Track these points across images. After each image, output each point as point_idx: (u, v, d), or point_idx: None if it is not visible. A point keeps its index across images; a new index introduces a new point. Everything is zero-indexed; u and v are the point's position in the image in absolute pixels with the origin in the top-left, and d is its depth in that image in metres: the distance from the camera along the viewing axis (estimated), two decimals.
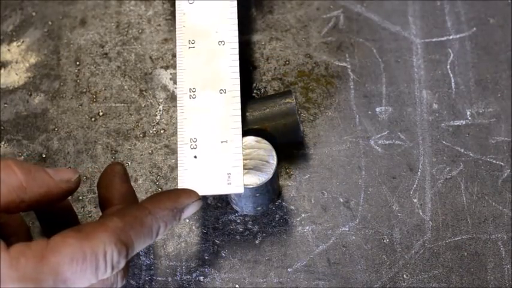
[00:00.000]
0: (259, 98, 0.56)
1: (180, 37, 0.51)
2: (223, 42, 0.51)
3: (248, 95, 0.57)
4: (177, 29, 0.51)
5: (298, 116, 0.52)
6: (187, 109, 0.50)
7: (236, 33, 0.51)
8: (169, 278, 0.52)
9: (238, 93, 0.50)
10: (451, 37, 0.58)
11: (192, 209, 0.45)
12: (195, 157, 0.49)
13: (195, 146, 0.49)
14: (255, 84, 0.57)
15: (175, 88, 0.57)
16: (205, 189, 0.48)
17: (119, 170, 0.45)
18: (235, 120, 0.49)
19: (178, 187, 0.48)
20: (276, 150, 0.49)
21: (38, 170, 0.40)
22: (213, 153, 0.49)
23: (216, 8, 0.52)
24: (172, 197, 0.44)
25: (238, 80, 0.50)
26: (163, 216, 0.42)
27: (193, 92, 0.50)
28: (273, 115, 0.51)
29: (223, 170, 0.48)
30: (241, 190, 0.48)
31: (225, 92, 0.50)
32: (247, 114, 0.51)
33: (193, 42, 0.51)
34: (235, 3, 0.52)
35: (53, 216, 0.46)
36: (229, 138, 0.49)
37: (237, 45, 0.51)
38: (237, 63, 0.51)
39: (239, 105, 0.50)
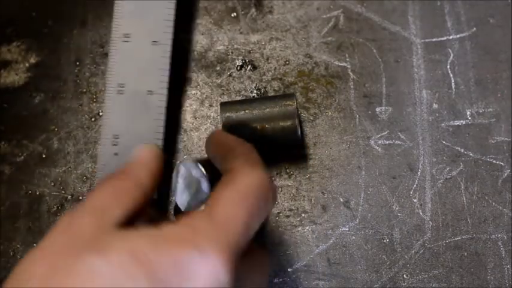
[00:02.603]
0: (261, 97, 0.56)
1: (116, 28, 0.51)
2: (156, 42, 0.51)
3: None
4: (113, 21, 0.51)
5: (298, 119, 0.52)
6: (113, 104, 0.50)
7: (170, 35, 0.51)
8: None
9: (165, 97, 0.50)
10: (451, 37, 0.58)
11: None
12: (116, 154, 0.49)
13: (116, 143, 0.49)
14: (255, 84, 0.57)
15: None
16: None
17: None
18: (158, 124, 0.49)
19: (96, 183, 0.49)
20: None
21: (131, 165, 0.41)
22: None
23: (154, 6, 0.51)
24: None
25: (167, 83, 0.50)
26: None
27: (122, 87, 0.50)
28: (272, 116, 0.51)
29: None
30: (154, 195, 0.48)
31: (151, 94, 0.50)
32: (247, 111, 0.51)
33: (128, 36, 0.51)
34: (173, 4, 0.52)
35: None
36: (151, 141, 0.49)
37: (170, 47, 0.51)
38: (168, 66, 0.50)
39: (164, 110, 0.50)
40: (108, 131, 0.49)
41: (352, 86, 0.57)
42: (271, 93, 0.57)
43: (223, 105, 0.52)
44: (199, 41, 0.59)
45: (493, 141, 0.55)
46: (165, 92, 0.50)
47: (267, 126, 0.51)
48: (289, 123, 0.51)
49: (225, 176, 0.40)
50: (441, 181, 0.54)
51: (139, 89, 0.50)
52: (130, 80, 0.50)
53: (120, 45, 0.50)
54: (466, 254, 0.52)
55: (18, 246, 0.53)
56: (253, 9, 0.59)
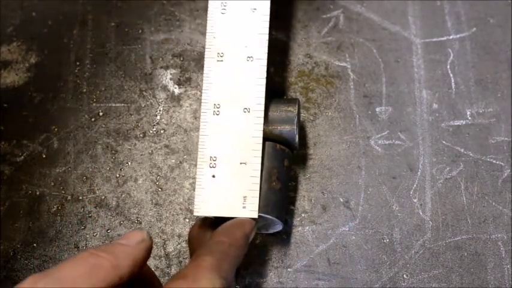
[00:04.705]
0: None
1: (210, 49, 0.49)
2: (251, 58, 0.49)
3: None
4: (207, 40, 0.50)
5: (298, 126, 0.51)
6: (210, 125, 0.48)
7: (266, 49, 0.49)
8: None
9: (262, 114, 0.48)
10: (451, 37, 0.58)
11: (253, 233, 0.47)
12: (213, 176, 0.48)
13: (214, 165, 0.48)
14: None
15: (175, 88, 0.57)
16: (219, 210, 0.47)
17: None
18: (256, 142, 0.48)
19: (195, 206, 0.48)
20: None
21: (115, 245, 0.41)
22: (231, 174, 0.47)
23: (248, 20, 0.50)
24: (240, 226, 0.46)
25: (263, 99, 0.48)
26: (240, 244, 0.45)
27: (218, 108, 0.48)
28: (272, 119, 0.51)
29: (239, 192, 0.47)
30: (255, 215, 0.47)
31: (248, 111, 0.48)
32: None
33: (221, 55, 0.49)
34: (267, 17, 0.50)
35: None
36: (249, 160, 0.48)
37: (265, 62, 0.49)
38: (264, 81, 0.49)
39: (261, 126, 0.48)
40: (205, 153, 0.48)
41: (352, 86, 0.57)
42: (279, 98, 0.57)
43: None
44: (200, 41, 0.59)
45: (493, 141, 0.55)
46: (262, 108, 0.48)
47: (265, 128, 0.51)
48: (287, 128, 0.51)
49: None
50: (441, 181, 0.54)
51: (236, 108, 0.48)
52: (226, 100, 0.49)
53: (215, 65, 0.49)
54: (466, 254, 0.52)
55: (18, 246, 0.53)
56: None
